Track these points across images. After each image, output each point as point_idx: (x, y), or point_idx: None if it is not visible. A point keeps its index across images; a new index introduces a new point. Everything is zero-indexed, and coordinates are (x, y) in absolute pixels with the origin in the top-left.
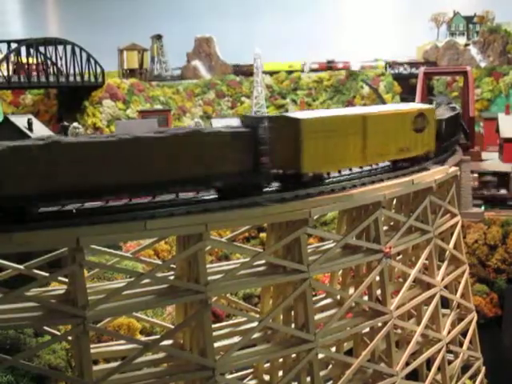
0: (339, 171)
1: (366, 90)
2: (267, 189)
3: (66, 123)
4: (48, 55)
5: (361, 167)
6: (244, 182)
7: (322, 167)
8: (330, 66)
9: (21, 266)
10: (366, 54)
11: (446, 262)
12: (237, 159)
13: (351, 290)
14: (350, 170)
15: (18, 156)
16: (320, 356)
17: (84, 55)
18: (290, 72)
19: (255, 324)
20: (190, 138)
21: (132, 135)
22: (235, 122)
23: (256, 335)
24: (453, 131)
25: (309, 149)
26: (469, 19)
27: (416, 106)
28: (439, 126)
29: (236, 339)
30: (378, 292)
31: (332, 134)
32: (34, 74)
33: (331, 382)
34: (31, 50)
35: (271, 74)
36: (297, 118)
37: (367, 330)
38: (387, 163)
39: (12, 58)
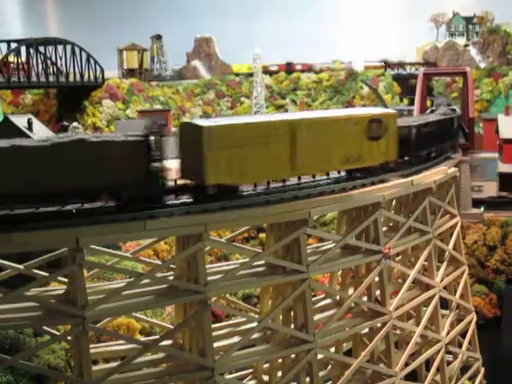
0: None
1: (366, 90)
2: (175, 201)
3: (65, 123)
4: (48, 55)
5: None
6: (137, 193)
7: (233, 179)
8: (288, 67)
9: (20, 266)
10: (364, 54)
11: (445, 263)
12: (125, 169)
13: (350, 291)
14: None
15: None
16: (319, 356)
17: (84, 55)
18: (288, 72)
19: (254, 324)
20: (73, 146)
21: (11, 143)
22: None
23: (255, 335)
24: (436, 139)
25: (214, 159)
26: (468, 20)
27: (372, 110)
28: (407, 134)
29: (235, 339)
30: (378, 293)
31: (246, 142)
32: (16, 73)
33: (330, 382)
34: (31, 50)
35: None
36: (199, 125)
37: (366, 330)
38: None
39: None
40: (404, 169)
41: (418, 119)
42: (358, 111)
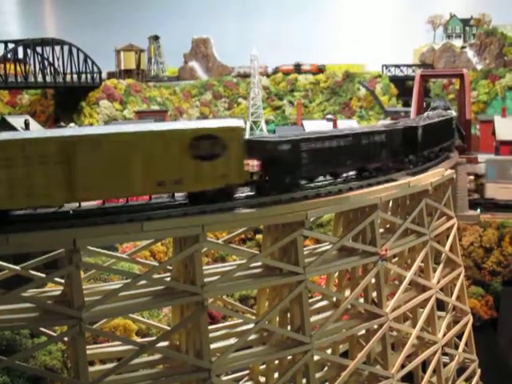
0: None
1: (363, 91)
2: None
3: (62, 124)
4: (45, 55)
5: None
6: None
7: None
8: None
9: (17, 267)
10: (363, 55)
11: (441, 265)
12: None
13: (347, 292)
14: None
15: None
16: (316, 358)
17: (81, 56)
18: (286, 74)
19: (251, 326)
20: None
21: None
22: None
23: (252, 337)
24: (354, 157)
25: None
26: (465, 22)
27: (205, 124)
28: (273, 151)
29: (232, 341)
30: (374, 294)
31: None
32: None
33: (327, 383)
34: (28, 51)
35: None
36: None
37: (363, 332)
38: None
39: None
40: (253, 197)
41: (313, 132)
42: (180, 125)
